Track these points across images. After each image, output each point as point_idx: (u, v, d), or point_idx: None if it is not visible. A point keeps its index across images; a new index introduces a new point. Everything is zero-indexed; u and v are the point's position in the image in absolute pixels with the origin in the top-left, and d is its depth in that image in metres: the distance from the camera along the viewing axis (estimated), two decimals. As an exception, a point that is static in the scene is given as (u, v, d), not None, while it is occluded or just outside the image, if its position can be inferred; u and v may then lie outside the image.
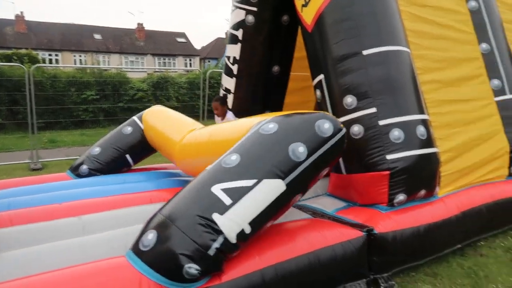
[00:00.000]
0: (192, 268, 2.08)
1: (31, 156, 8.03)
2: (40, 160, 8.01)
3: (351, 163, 3.50)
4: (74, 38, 33.03)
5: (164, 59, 35.38)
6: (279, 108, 5.38)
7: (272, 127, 2.65)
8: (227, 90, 5.32)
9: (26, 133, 10.22)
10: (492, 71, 4.29)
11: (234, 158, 2.50)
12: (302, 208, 3.59)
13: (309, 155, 2.55)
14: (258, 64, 5.08)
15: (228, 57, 5.19)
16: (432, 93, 3.82)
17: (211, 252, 2.14)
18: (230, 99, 5.26)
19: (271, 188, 2.39)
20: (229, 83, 5.26)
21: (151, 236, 2.22)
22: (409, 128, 3.34)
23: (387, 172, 3.25)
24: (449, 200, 3.59)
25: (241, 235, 2.27)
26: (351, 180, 3.52)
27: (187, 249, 2.12)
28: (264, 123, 2.72)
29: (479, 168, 4.02)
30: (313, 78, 3.85)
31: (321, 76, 3.69)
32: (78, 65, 29.89)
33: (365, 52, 3.43)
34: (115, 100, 15.22)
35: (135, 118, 4.73)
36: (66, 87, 14.32)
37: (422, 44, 3.89)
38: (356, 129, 3.39)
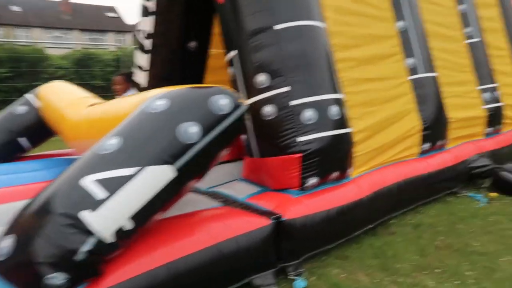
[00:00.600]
0: (54, 278, 1.76)
1: None
2: None
3: (264, 146, 3.31)
4: (-11, 9, 29.72)
5: (93, 35, 33.01)
6: (199, 87, 5.05)
7: (160, 104, 2.33)
8: (140, 68, 4.88)
9: None
10: (407, 50, 4.30)
11: (114, 143, 2.17)
12: (214, 195, 3.37)
13: (203, 135, 2.27)
14: (173, 39, 4.68)
15: (141, 31, 4.74)
16: (348, 71, 3.72)
17: (80, 256, 1.83)
18: (142, 76, 4.83)
19: (157, 176, 2.10)
20: (141, 59, 4.82)
21: (8, 243, 1.86)
22: (322, 108, 3.20)
23: (299, 155, 3.11)
24: (361, 181, 3.55)
25: (121, 232, 1.98)
26: (264, 164, 3.34)
27: (50, 256, 1.79)
28: (153, 100, 2.39)
29: (392, 147, 4.05)
30: (226, 54, 3.57)
31: (234, 52, 3.42)
32: (-8, 38, 26.88)
33: (277, 27, 3.20)
34: (31, 78, 13.83)
35: (28, 95, 4.15)
36: (-29, 63, 12.72)
37: (338, 19, 3.75)
38: (269, 109, 3.19)
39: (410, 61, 4.29)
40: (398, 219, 3.87)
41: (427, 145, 4.36)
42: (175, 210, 2.65)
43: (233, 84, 3.53)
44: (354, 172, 3.63)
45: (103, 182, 1.99)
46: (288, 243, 2.89)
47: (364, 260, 3.12)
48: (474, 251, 3.29)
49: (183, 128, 2.22)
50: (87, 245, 1.85)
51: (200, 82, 5.05)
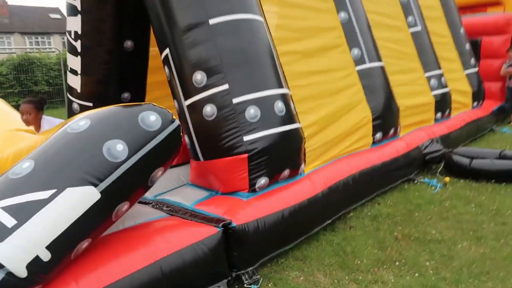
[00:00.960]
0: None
1: None
2: None
3: (208, 148, 3.10)
4: None
5: (37, 37, 31.13)
6: (142, 90, 4.74)
7: (83, 124, 2.10)
8: (73, 71, 4.49)
9: None
10: (351, 41, 4.24)
11: (27, 166, 1.90)
12: (160, 204, 3.12)
13: (130, 153, 2.07)
14: (106, 39, 4.33)
15: (70, 32, 4.36)
16: (292, 65, 3.59)
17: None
18: (77, 81, 4.46)
19: (79, 198, 1.85)
20: (74, 62, 4.44)
21: None
22: (266, 104, 3.04)
23: (245, 155, 2.92)
24: (315, 177, 3.42)
25: (36, 264, 1.71)
26: (210, 166, 3.13)
27: None
28: (75, 121, 2.16)
29: (344, 139, 3.96)
30: (160, 53, 3.33)
31: (167, 50, 3.19)
32: None
33: (211, 21, 3.00)
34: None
35: None
36: None
37: (278, 12, 3.61)
38: (209, 109, 2.98)
39: (355, 51, 4.23)
40: (357, 211, 3.78)
41: (379, 135, 4.31)
42: (112, 225, 2.40)
43: (170, 84, 3.30)
44: (306, 168, 3.50)
45: (11, 209, 1.71)
46: (240, 250, 2.70)
47: (323, 259, 2.98)
48: (432, 239, 3.24)
49: (107, 147, 2.00)
50: (-7, 281, 1.57)
51: (142, 83, 4.73)
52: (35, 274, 1.72)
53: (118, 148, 2.03)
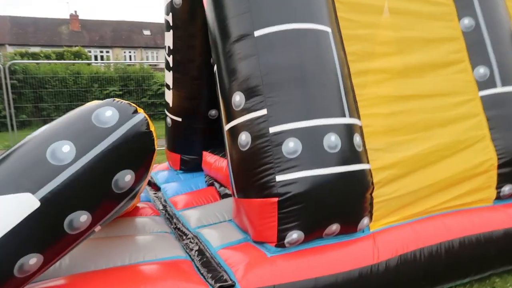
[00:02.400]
0: None
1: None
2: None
3: (240, 183, 2.61)
4: (124, 34, 34.06)
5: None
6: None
7: (43, 128, 1.95)
8: (167, 86, 4.56)
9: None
10: (476, 56, 3.11)
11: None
12: (192, 239, 2.78)
13: (79, 155, 1.79)
14: (197, 55, 4.24)
15: (165, 47, 4.43)
16: (371, 87, 2.78)
17: None
18: (170, 96, 4.51)
19: (11, 206, 1.64)
20: (168, 77, 4.50)
21: None
22: (312, 137, 2.37)
23: (275, 199, 2.33)
24: (383, 238, 2.56)
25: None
26: (242, 206, 2.63)
27: None
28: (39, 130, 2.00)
29: (446, 189, 2.91)
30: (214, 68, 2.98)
31: (215, 67, 2.82)
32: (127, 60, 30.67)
33: (257, 33, 2.50)
34: (138, 95, 15.10)
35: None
36: (89, 83, 14.44)
37: (360, 20, 2.85)
38: (244, 138, 2.49)
39: (481, 70, 3.08)
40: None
41: (508, 188, 3.06)
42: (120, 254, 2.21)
43: (218, 104, 2.92)
44: (374, 224, 2.66)
45: None
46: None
47: None
48: None
49: (52, 149, 1.77)
50: None
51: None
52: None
53: (64, 149, 1.78)
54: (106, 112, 1.92)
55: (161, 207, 3.74)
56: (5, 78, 8.84)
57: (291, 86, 2.43)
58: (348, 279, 2.33)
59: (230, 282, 2.12)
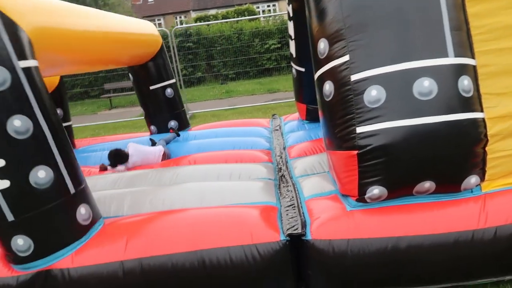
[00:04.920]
0: None
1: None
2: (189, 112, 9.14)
3: (327, 135, 2.51)
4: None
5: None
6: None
7: None
8: (290, 36, 4.50)
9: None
10: None
11: None
12: (290, 187, 2.89)
13: None
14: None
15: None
16: (496, 15, 2.20)
17: None
18: (293, 46, 4.46)
19: None
20: (290, 27, 4.45)
21: None
22: (398, 83, 2.08)
23: (354, 152, 2.19)
24: (496, 201, 2.14)
25: None
26: (330, 158, 2.55)
27: None
28: None
29: None
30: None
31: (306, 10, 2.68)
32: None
33: (341, -32, 2.26)
34: (296, 47, 15.27)
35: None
36: (250, 39, 15.35)
37: None
38: (327, 87, 2.36)
39: None
40: None
41: None
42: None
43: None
44: (488, 184, 2.22)
45: None
46: (315, 272, 2.17)
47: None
48: None
49: None
50: None
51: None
52: None
53: None
54: None
55: (278, 153, 3.91)
56: (172, 42, 10.03)
57: (376, 25, 2.15)
58: (439, 243, 2.07)
59: (300, 231, 2.16)
